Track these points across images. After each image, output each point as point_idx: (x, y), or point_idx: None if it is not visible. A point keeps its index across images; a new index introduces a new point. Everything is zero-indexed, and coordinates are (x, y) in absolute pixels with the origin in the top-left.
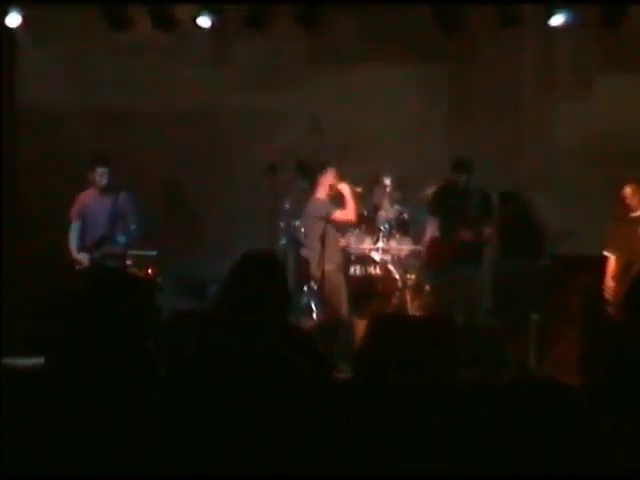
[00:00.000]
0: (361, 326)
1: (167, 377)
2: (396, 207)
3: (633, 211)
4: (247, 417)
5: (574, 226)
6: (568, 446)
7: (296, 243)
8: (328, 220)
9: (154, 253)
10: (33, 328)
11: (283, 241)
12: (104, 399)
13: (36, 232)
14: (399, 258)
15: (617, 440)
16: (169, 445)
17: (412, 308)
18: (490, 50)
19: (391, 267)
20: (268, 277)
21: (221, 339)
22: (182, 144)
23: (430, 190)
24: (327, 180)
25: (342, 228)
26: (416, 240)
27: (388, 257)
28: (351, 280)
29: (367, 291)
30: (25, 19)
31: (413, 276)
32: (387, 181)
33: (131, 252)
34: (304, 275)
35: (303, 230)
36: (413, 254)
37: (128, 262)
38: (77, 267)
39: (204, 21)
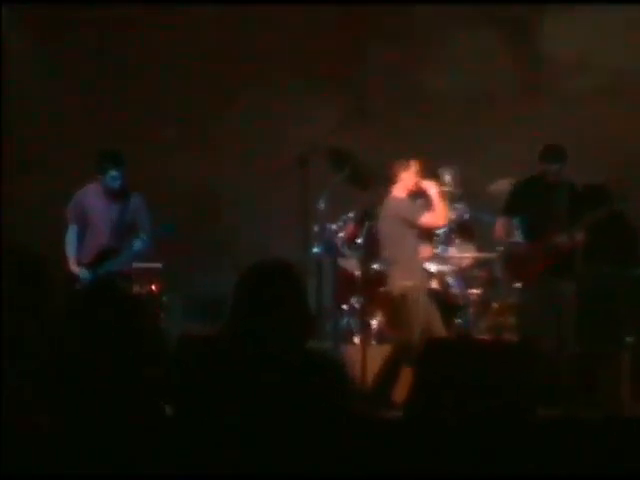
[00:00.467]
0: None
1: (174, 412)
2: (456, 207)
3: None
4: (262, 459)
5: None
6: None
7: (333, 251)
8: (412, 225)
9: (159, 266)
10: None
11: (316, 249)
12: (101, 438)
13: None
14: (460, 269)
15: None
16: None
17: (477, 330)
18: None
19: (450, 280)
20: (283, 293)
21: (230, 368)
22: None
23: (501, 184)
24: (409, 175)
25: (424, 235)
26: (480, 247)
27: (446, 267)
28: None
29: None
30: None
31: (477, 291)
32: (447, 176)
33: (137, 265)
34: (344, 290)
35: (384, 233)
36: (477, 263)
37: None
38: (73, 283)
39: None
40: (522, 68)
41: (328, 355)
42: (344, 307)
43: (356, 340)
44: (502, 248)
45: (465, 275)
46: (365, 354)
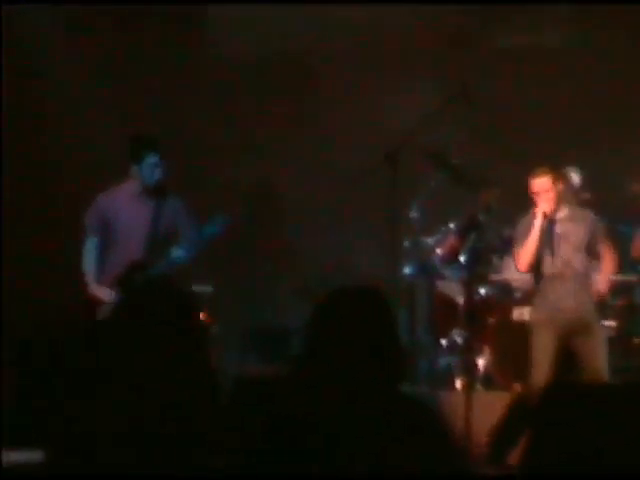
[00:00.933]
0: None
1: (229, 470)
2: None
3: None
4: None
5: None
6: None
7: (429, 271)
8: (597, 252)
9: (209, 289)
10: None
11: (409, 269)
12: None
13: (24, 246)
14: None
15: None
16: None
17: (613, 373)
18: None
19: None
20: (369, 326)
21: (302, 418)
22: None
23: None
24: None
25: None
26: (616, 267)
27: None
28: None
29: None
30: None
31: (613, 323)
32: (575, 177)
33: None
34: (443, 321)
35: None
36: (612, 288)
37: None
38: (94, 306)
39: None
40: None
41: (422, 403)
42: (443, 342)
43: (458, 385)
44: None
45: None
46: (470, 403)
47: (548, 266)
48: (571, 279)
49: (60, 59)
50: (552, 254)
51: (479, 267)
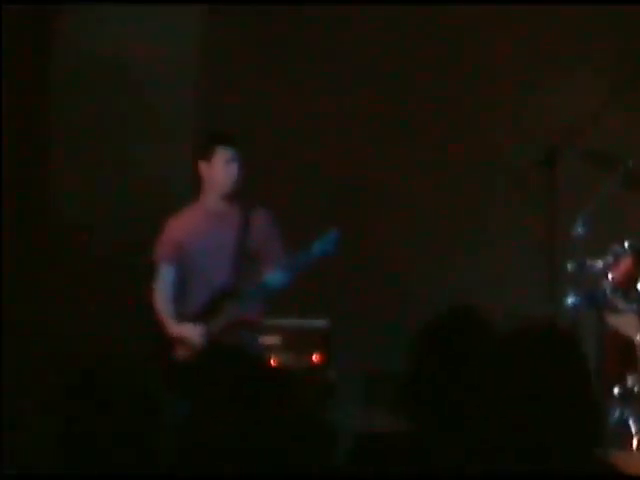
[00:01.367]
0: None
1: None
2: None
3: None
4: None
5: None
6: None
7: (598, 302)
8: None
9: (323, 324)
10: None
11: (572, 298)
12: None
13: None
14: None
15: None
16: None
17: None
18: None
19: None
20: (565, 370)
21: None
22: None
23: None
24: None
25: None
26: None
27: None
28: None
29: None
30: None
31: None
32: None
33: (274, 320)
34: (617, 364)
35: None
36: None
37: (271, 340)
38: (176, 349)
39: None
40: None
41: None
42: (616, 391)
43: (635, 444)
44: None
45: None
46: None
47: None
48: None
49: None
50: None
51: None
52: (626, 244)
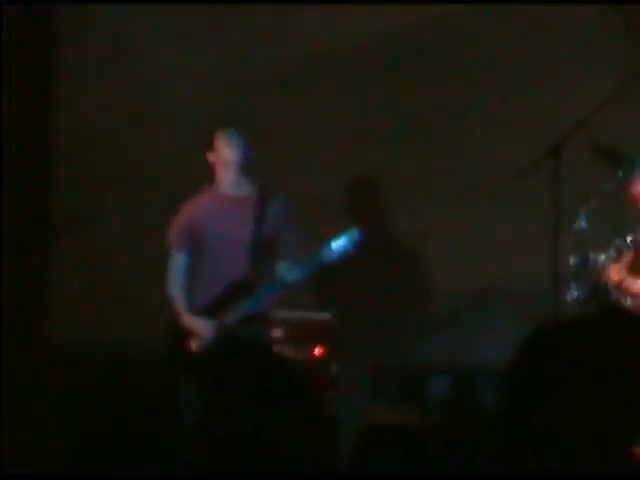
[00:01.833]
0: None
1: None
2: None
3: None
4: None
5: None
6: None
7: (602, 298)
8: None
9: (327, 317)
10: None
11: (575, 293)
12: None
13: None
14: None
15: None
16: None
17: None
18: None
19: None
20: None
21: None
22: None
23: None
24: None
25: None
26: None
27: None
28: None
29: None
30: None
31: None
32: None
33: (278, 312)
34: None
35: None
36: None
37: (274, 332)
38: (190, 343)
39: None
40: None
41: None
42: None
43: None
44: None
45: None
46: None
47: None
48: None
49: None
50: None
51: None
52: (629, 239)
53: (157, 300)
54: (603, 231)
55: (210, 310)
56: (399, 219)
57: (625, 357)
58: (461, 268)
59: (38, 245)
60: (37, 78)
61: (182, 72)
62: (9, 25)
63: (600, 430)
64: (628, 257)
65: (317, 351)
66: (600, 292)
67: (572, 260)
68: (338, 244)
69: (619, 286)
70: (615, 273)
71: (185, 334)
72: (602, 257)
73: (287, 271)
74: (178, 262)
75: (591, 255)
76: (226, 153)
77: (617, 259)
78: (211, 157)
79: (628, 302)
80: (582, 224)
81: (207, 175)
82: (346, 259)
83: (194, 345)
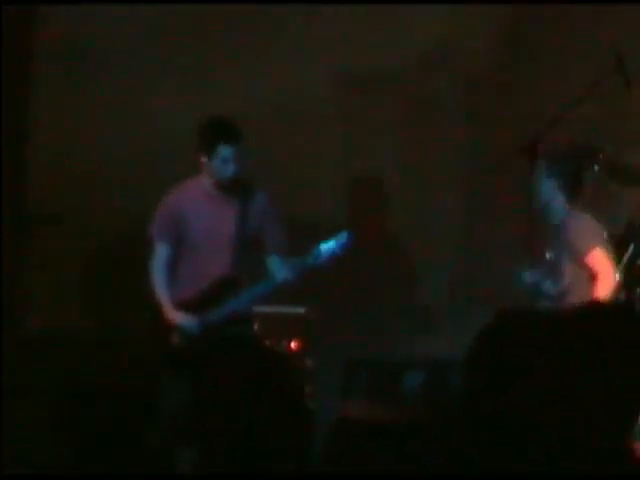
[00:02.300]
0: None
1: None
2: None
3: None
4: None
5: None
6: None
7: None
8: None
9: (302, 311)
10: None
11: (552, 287)
12: None
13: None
14: None
15: None
16: None
17: None
18: None
19: None
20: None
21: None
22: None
23: None
24: None
25: None
26: None
27: None
28: None
29: None
30: None
31: None
32: None
33: (261, 308)
34: None
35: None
36: None
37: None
38: (166, 336)
39: None
40: None
41: None
42: None
43: None
44: None
45: None
46: None
47: None
48: None
49: None
50: None
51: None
52: (604, 234)
53: (136, 292)
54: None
55: (193, 305)
56: (377, 217)
57: (589, 344)
58: (436, 262)
59: (11, 237)
60: (12, 70)
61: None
62: None
63: (562, 421)
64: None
65: (294, 345)
66: None
67: (548, 255)
68: (327, 247)
69: None
70: None
71: (167, 328)
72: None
73: (277, 271)
74: (160, 253)
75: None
76: (222, 171)
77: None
78: (203, 161)
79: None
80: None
81: (185, 169)
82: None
83: (176, 340)
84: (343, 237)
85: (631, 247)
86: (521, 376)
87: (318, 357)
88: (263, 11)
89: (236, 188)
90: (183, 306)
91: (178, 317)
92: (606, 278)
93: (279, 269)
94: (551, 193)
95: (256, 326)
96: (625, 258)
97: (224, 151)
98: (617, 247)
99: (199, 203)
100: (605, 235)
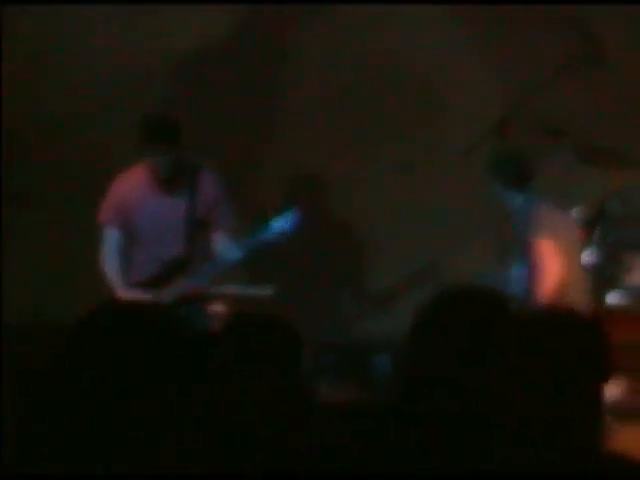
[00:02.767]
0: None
1: None
2: None
3: None
4: None
5: None
6: None
7: None
8: None
9: (268, 293)
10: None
11: (519, 270)
12: None
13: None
14: None
15: None
16: None
17: None
18: None
19: None
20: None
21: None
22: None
23: None
24: None
25: None
26: None
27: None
28: None
29: None
30: None
31: None
32: None
33: (219, 288)
34: None
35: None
36: None
37: (215, 308)
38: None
39: None
40: None
41: None
42: None
43: None
44: None
45: None
46: None
47: None
48: None
49: None
50: None
51: (608, 269)
52: (573, 214)
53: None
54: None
55: (145, 287)
56: (342, 197)
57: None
58: (404, 246)
59: None
60: None
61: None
62: None
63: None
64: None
65: None
66: None
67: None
68: (277, 224)
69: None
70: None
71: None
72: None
73: (227, 249)
74: (110, 239)
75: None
76: (154, 167)
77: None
78: (143, 144)
79: None
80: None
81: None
82: (287, 237)
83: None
84: (291, 215)
85: (599, 227)
86: (454, 360)
87: None
88: None
89: (183, 171)
90: (135, 288)
91: (132, 296)
92: (543, 271)
93: (228, 248)
94: (501, 192)
95: (222, 307)
96: (594, 238)
97: (152, 153)
98: (587, 228)
99: (145, 189)
100: (564, 222)
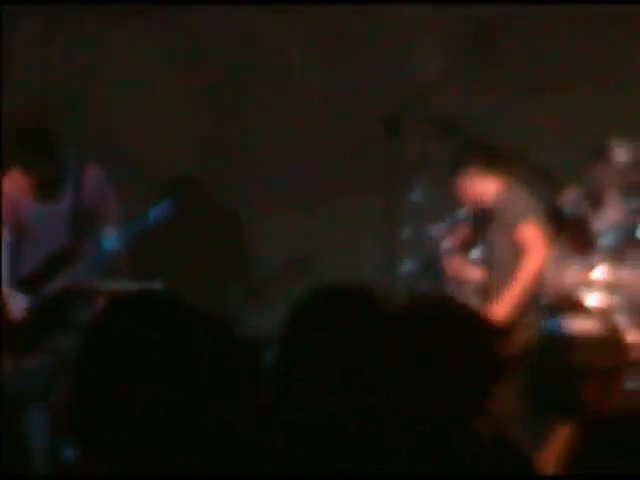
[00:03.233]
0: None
1: None
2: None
3: None
4: None
5: None
6: None
7: (435, 269)
8: None
9: (158, 286)
10: None
11: (408, 266)
12: None
13: None
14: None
15: None
16: None
17: None
18: None
19: (622, 319)
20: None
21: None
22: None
23: None
24: None
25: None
26: None
27: (617, 299)
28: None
29: (574, 366)
30: None
31: None
32: (619, 152)
33: (107, 284)
34: None
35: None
36: None
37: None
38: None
39: None
40: None
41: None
42: None
43: None
44: None
45: None
46: None
47: None
48: None
49: None
50: None
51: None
52: (462, 211)
53: None
54: (438, 203)
55: (29, 282)
56: (232, 188)
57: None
58: (294, 237)
59: None
60: None
61: None
62: None
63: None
64: (462, 231)
65: None
66: (433, 266)
67: (407, 232)
68: (154, 213)
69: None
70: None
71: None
72: (435, 228)
73: (106, 240)
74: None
75: (426, 227)
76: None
77: (450, 231)
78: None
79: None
80: (417, 195)
81: None
82: (174, 228)
83: (11, 317)
84: (167, 204)
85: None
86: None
87: None
88: None
89: (62, 174)
90: (20, 283)
91: (13, 295)
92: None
93: (108, 239)
94: None
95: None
96: (483, 234)
97: (37, 168)
98: (475, 223)
99: (27, 193)
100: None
